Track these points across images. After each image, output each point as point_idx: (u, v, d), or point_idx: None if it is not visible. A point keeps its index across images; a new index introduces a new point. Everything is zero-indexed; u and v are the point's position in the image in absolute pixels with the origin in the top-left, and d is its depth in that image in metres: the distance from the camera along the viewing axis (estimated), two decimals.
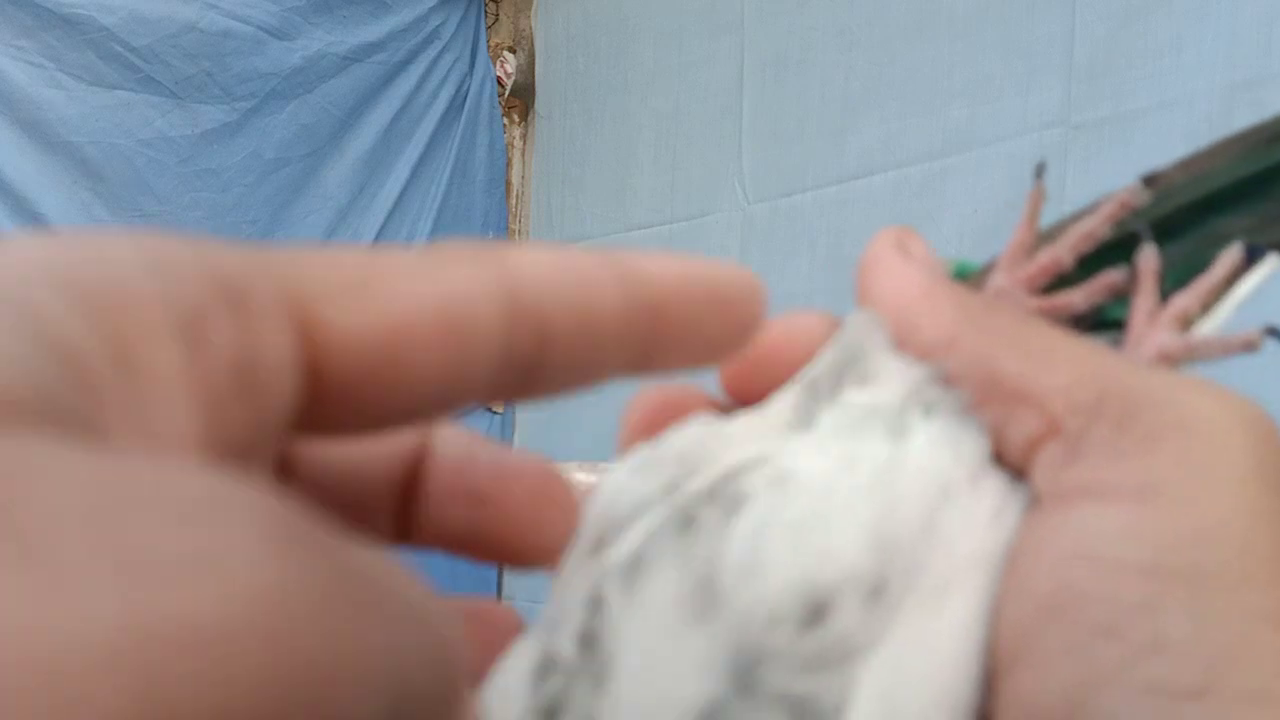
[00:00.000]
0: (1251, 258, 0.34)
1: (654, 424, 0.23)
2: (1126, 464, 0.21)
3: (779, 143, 1.66)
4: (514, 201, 2.08)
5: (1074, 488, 0.21)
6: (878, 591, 0.19)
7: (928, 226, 1.40)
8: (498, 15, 2.06)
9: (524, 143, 2.09)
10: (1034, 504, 0.22)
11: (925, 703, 0.19)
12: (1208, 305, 0.33)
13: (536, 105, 2.09)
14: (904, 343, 0.24)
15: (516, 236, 2.09)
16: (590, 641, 0.19)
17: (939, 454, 0.22)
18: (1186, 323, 0.32)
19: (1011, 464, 0.22)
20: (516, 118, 2.08)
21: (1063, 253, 0.33)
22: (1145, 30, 1.29)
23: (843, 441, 0.22)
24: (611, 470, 0.23)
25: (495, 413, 2.02)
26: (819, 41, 1.61)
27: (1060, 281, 0.33)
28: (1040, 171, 0.35)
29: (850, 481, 0.21)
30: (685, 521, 0.20)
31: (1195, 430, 0.21)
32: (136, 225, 1.65)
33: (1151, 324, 0.32)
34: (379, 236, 1.86)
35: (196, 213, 1.69)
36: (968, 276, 0.33)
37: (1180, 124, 1.25)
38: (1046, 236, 0.34)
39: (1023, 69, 1.39)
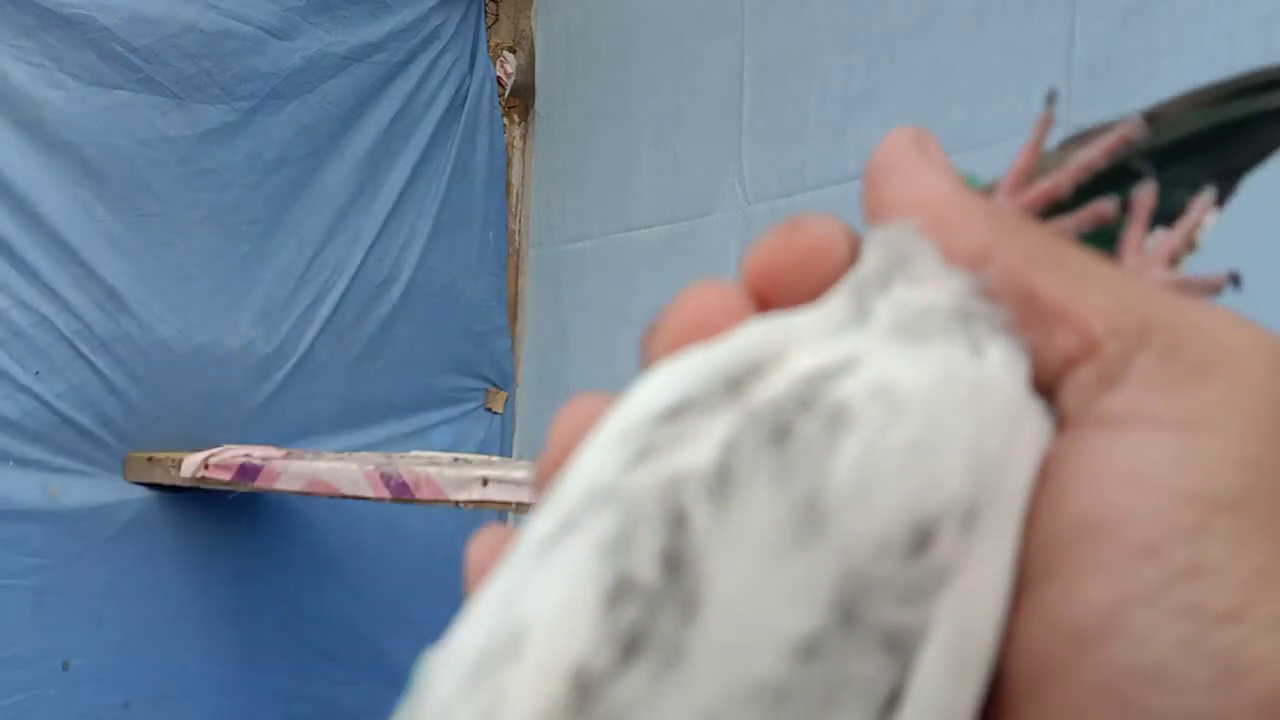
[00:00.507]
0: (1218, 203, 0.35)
1: (702, 326, 0.21)
2: (1175, 395, 0.21)
3: (779, 143, 1.66)
4: (514, 201, 2.08)
5: (1116, 414, 0.21)
6: (972, 518, 0.19)
7: None
8: (498, 15, 2.06)
9: (524, 143, 2.09)
10: (1066, 425, 0.22)
11: (990, 630, 0.19)
12: (1192, 245, 0.33)
13: (536, 105, 2.09)
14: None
15: (516, 237, 2.09)
16: (676, 563, 0.17)
17: (1012, 374, 0.21)
18: (1175, 262, 0.33)
19: (1039, 383, 0.22)
20: (516, 118, 2.08)
21: (1061, 181, 0.33)
22: (1145, 30, 1.29)
23: (928, 347, 0.20)
24: (658, 369, 0.21)
25: (495, 413, 2.02)
26: (819, 42, 1.61)
27: (1053, 209, 0.33)
28: (1051, 99, 0.35)
29: (953, 398, 0.20)
30: (779, 433, 0.18)
31: (1240, 367, 0.21)
32: (136, 225, 1.65)
33: (1142, 259, 0.32)
34: (379, 236, 1.86)
35: (196, 213, 1.69)
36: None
37: None
38: (1044, 164, 0.35)
39: (1022, 69, 1.39)
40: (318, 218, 1.79)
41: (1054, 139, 0.37)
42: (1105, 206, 0.33)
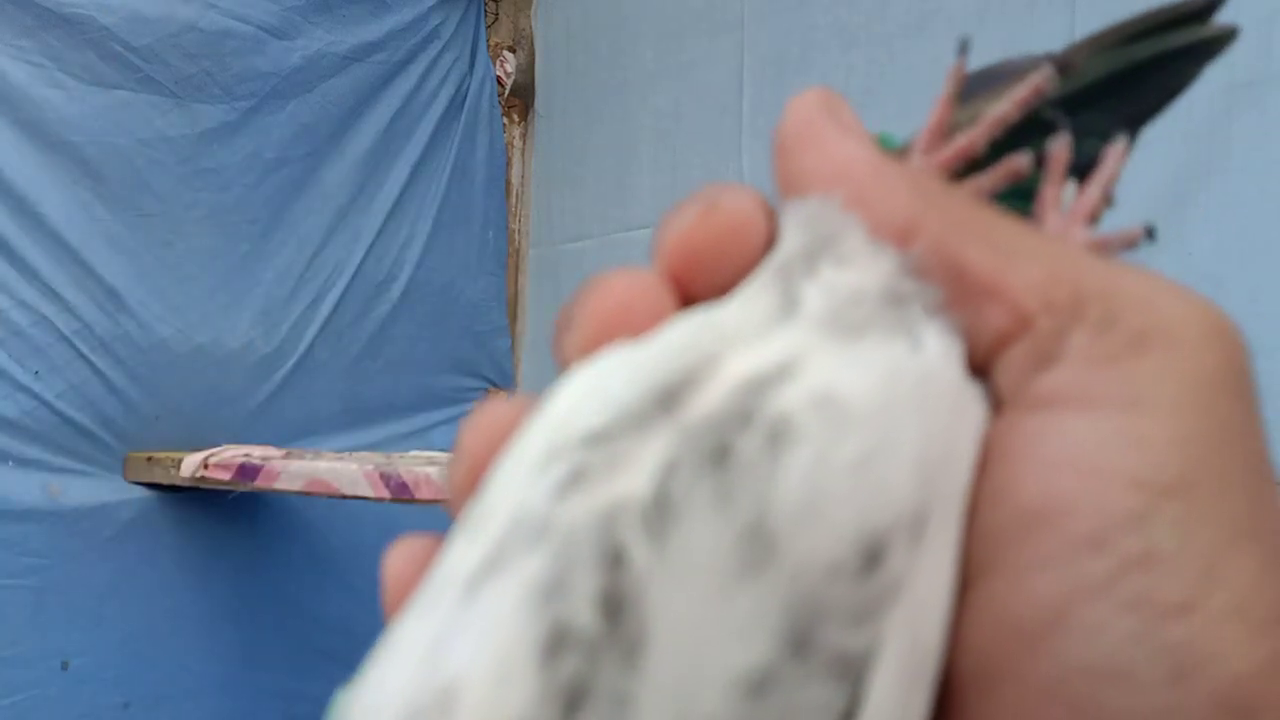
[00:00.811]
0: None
1: (621, 321, 0.20)
2: (1112, 372, 0.20)
3: None
4: (513, 201, 2.08)
5: (1054, 394, 0.20)
6: (921, 526, 0.18)
7: None
8: (497, 14, 2.06)
9: (524, 142, 2.08)
10: (1002, 406, 0.21)
11: (939, 636, 0.18)
12: (1109, 200, 0.33)
13: (536, 105, 2.08)
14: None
15: (516, 236, 2.09)
16: (616, 606, 0.16)
17: (950, 362, 0.20)
18: (1095, 218, 0.32)
19: (973, 362, 0.21)
20: (516, 117, 2.08)
21: (976, 138, 0.32)
22: None
23: (866, 342, 0.19)
24: (578, 372, 0.19)
25: None
26: (819, 41, 1.61)
27: (969, 166, 0.32)
28: (963, 48, 0.34)
29: (897, 402, 0.18)
30: (719, 454, 0.17)
31: (1178, 339, 0.20)
32: (136, 225, 1.65)
33: (1063, 219, 0.32)
34: (378, 236, 1.86)
35: (196, 212, 1.69)
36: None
37: (1180, 125, 1.25)
38: (957, 117, 0.34)
39: None
40: (317, 217, 1.79)
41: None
42: (1020, 162, 0.32)
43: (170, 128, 1.67)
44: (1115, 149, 0.33)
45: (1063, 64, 0.34)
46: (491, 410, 0.21)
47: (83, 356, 1.60)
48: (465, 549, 0.17)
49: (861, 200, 0.22)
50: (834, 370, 0.18)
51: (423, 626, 0.16)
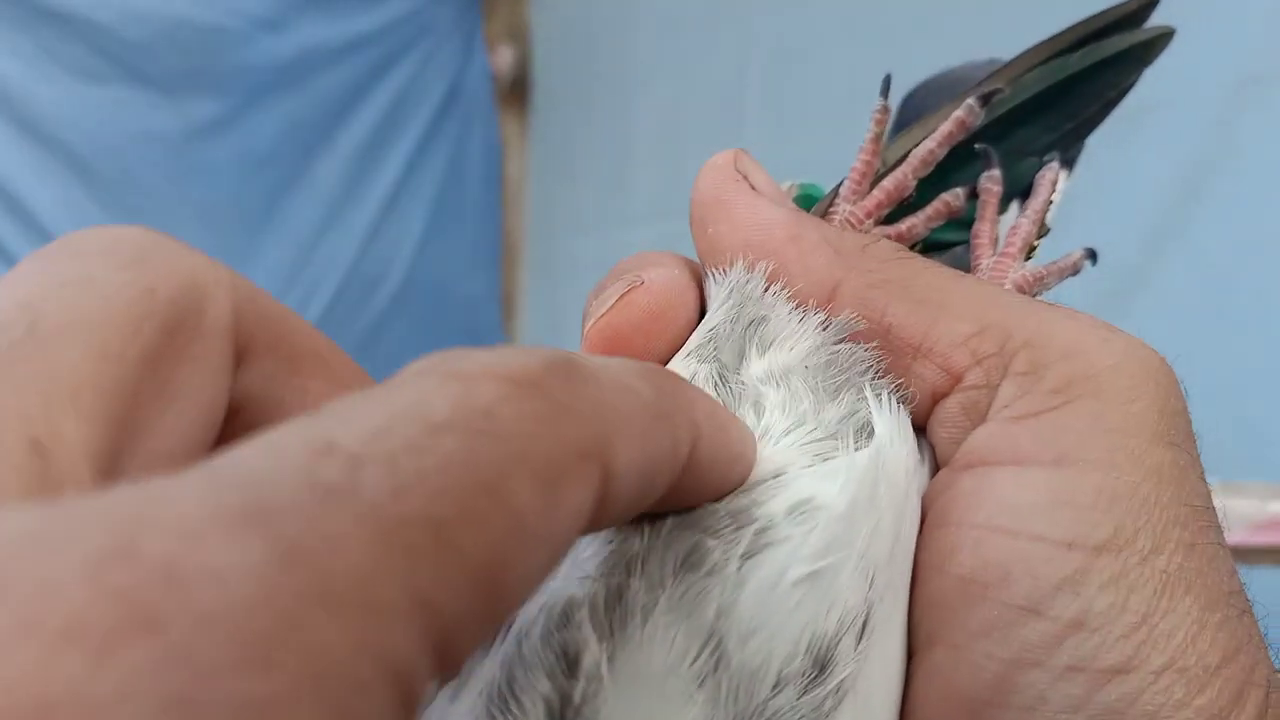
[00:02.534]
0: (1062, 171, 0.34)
1: None
2: (1039, 425, 0.20)
3: (782, 137, 1.64)
4: (510, 196, 2.06)
5: (986, 451, 0.20)
6: (865, 624, 0.18)
7: None
8: (494, 6, 2.04)
9: (520, 136, 2.07)
10: (939, 465, 0.21)
11: (891, 708, 0.18)
12: (1041, 230, 0.32)
13: (533, 98, 2.07)
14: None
15: (513, 232, 2.07)
16: (573, 715, 0.15)
17: (897, 441, 0.20)
18: (1030, 250, 0.32)
19: (913, 421, 0.21)
20: (513, 111, 2.06)
21: (903, 179, 0.32)
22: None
23: (808, 442, 0.19)
24: None
25: None
26: (823, 34, 1.59)
27: (900, 206, 0.32)
28: (885, 88, 0.34)
29: (860, 506, 0.19)
30: (687, 552, 0.16)
31: (1106, 386, 0.20)
32: (128, 221, 1.63)
33: (997, 258, 0.31)
34: (372, 233, 1.84)
35: (188, 208, 1.67)
36: (812, 204, 0.32)
37: (1185, 122, 1.23)
38: (884, 155, 0.33)
39: None
40: (310, 213, 1.77)
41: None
42: (951, 200, 0.32)
43: (161, 123, 1.65)
44: (1047, 175, 0.33)
45: (986, 97, 0.33)
46: None
47: None
48: None
49: (780, 267, 0.22)
50: (813, 480, 0.18)
51: None
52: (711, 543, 0.17)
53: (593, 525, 0.15)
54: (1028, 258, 0.32)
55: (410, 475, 0.13)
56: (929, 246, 0.33)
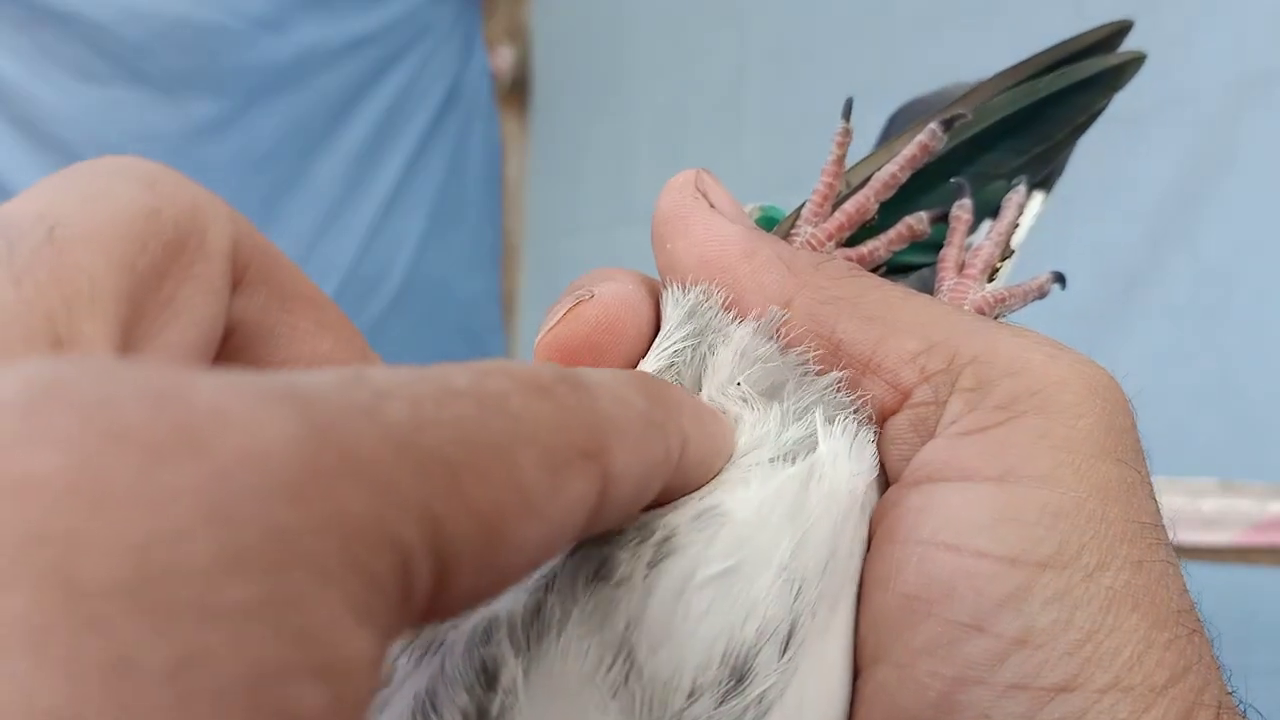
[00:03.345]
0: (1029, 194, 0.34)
1: None
2: (985, 441, 0.20)
3: (780, 136, 1.64)
4: (510, 196, 2.06)
5: (933, 467, 0.20)
6: (791, 635, 0.18)
7: None
8: (494, 6, 2.03)
9: (520, 136, 2.06)
10: (888, 481, 0.21)
11: None
12: (1005, 252, 0.32)
13: (533, 98, 2.06)
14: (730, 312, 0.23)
15: (513, 232, 2.07)
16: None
17: (841, 467, 0.20)
18: (992, 273, 0.32)
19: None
20: (513, 110, 2.06)
21: (865, 202, 0.32)
22: (1152, 25, 1.26)
23: (753, 454, 0.20)
24: None
25: None
26: (821, 34, 1.59)
27: (864, 229, 0.32)
28: (847, 110, 0.34)
29: (773, 515, 0.19)
30: (598, 565, 0.17)
31: (1051, 402, 0.20)
32: None
33: (958, 280, 0.31)
34: (372, 233, 1.84)
35: None
36: (774, 226, 0.32)
37: (1188, 120, 1.22)
38: (847, 177, 0.33)
39: None
40: (309, 214, 1.77)
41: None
42: (914, 224, 0.32)
43: (161, 123, 1.65)
44: (1014, 198, 0.33)
45: (948, 122, 0.33)
46: None
47: None
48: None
49: (734, 283, 0.23)
50: (727, 490, 0.18)
51: None
52: (621, 555, 0.17)
53: (592, 525, 0.15)
54: (990, 280, 0.32)
55: (430, 417, 0.14)
56: (897, 269, 0.33)
